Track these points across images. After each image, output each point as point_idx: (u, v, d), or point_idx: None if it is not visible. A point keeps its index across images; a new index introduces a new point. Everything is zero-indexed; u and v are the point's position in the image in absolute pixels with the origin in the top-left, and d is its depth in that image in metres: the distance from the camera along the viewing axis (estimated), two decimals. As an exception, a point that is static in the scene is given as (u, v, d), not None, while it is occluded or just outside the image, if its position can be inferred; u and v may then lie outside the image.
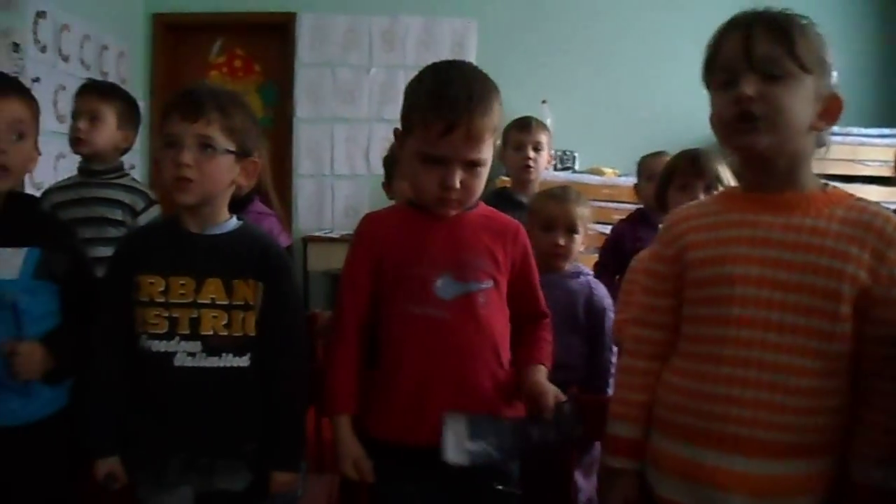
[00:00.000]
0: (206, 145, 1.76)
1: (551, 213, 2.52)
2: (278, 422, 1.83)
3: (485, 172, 1.77)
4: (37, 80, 4.45)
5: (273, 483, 1.81)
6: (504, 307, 1.84)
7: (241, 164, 1.83)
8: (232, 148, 1.80)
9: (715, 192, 2.07)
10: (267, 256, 1.84)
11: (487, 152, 1.74)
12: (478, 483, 1.78)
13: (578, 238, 2.52)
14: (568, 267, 2.55)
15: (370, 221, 1.88)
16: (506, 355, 1.83)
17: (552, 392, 1.71)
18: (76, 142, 2.80)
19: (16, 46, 4.31)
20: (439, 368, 1.76)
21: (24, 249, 1.85)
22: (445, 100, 1.68)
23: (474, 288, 1.78)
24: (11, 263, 1.83)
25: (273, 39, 6.18)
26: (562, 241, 2.51)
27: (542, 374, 1.81)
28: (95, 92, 2.84)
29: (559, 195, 2.56)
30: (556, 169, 5.49)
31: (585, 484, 2.44)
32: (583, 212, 2.54)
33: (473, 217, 1.83)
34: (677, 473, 1.58)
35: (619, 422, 1.69)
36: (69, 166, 3.27)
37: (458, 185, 1.72)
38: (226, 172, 1.81)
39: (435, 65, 1.79)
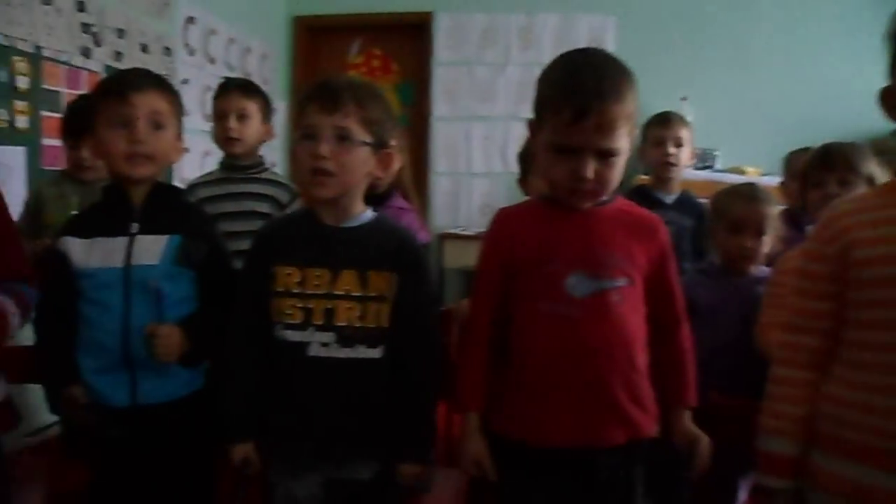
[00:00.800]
0: (343, 137, 1.76)
1: (739, 214, 2.40)
2: (408, 413, 1.82)
3: (620, 163, 1.69)
4: (185, 81, 4.64)
5: (401, 474, 1.81)
6: (640, 307, 1.77)
7: (377, 155, 1.82)
8: (369, 140, 1.78)
9: (874, 186, 1.94)
10: (402, 248, 1.83)
11: (622, 142, 1.67)
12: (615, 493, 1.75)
13: (766, 240, 2.39)
14: (753, 270, 2.43)
15: (503, 217, 1.85)
16: (641, 358, 1.76)
17: (705, 442, 1.75)
18: (228, 141, 2.87)
19: (167, 51, 4.51)
20: (568, 369, 1.71)
21: (166, 237, 1.92)
22: (575, 86, 1.63)
23: (608, 286, 1.71)
24: (153, 250, 1.90)
25: (410, 39, 6.24)
26: (749, 244, 2.39)
27: (689, 418, 1.78)
28: (240, 90, 2.91)
29: (747, 193, 2.43)
30: (696, 168, 5.32)
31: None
32: (772, 212, 2.41)
33: (609, 211, 1.77)
34: (845, 495, 1.46)
35: (775, 438, 1.59)
36: (215, 164, 3.38)
37: (590, 175, 1.66)
38: (362, 164, 1.80)
39: (567, 53, 1.74)
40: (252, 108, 2.87)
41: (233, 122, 2.84)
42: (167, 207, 1.99)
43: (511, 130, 5.90)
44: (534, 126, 1.76)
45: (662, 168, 3.19)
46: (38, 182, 3.11)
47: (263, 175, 2.92)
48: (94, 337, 1.89)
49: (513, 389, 1.76)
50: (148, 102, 1.91)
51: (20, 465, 1.92)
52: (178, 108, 2.00)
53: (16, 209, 2.97)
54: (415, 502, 2.14)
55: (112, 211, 1.96)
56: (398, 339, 1.81)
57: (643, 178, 3.86)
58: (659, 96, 4.68)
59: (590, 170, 1.66)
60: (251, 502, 1.95)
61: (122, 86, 1.91)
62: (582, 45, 5.75)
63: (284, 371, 1.80)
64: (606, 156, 1.66)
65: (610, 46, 5.78)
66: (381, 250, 1.81)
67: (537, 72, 1.76)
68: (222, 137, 2.88)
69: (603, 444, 1.73)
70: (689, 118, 4.14)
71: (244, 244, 2.10)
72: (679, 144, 3.19)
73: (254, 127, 2.88)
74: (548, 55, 1.77)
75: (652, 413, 1.77)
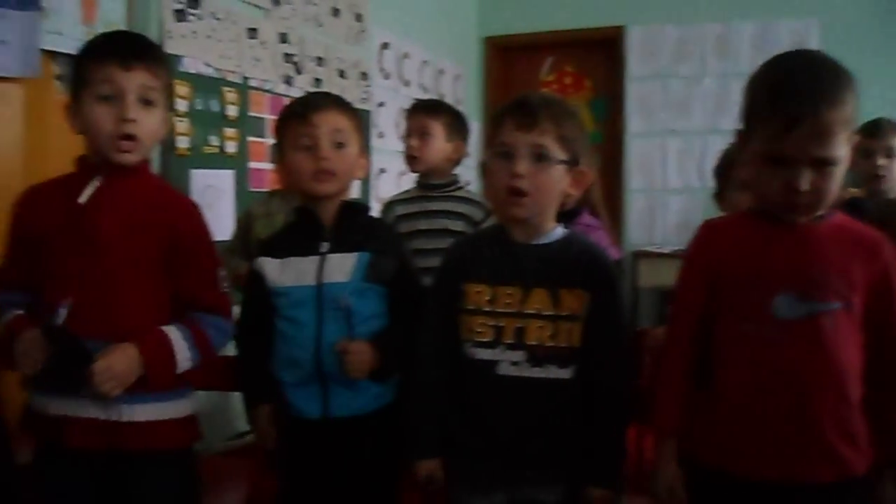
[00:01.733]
0: (540, 155, 1.73)
1: None
2: (597, 436, 1.76)
3: (838, 173, 1.56)
4: (382, 104, 4.78)
5: (588, 499, 1.75)
6: (857, 334, 1.61)
7: (572, 173, 1.79)
8: (564, 157, 1.75)
9: None
10: (594, 266, 1.79)
11: (840, 149, 1.54)
12: None
13: None
14: None
15: (708, 229, 1.75)
16: (854, 391, 1.60)
17: None
18: (410, 160, 2.94)
19: (364, 75, 4.67)
20: (771, 397, 1.59)
21: (355, 254, 1.95)
22: (788, 91, 1.52)
23: (821, 309, 1.57)
24: (344, 267, 1.94)
25: (602, 54, 6.17)
26: None
27: (892, 482, 1.61)
28: (422, 110, 2.98)
29: None
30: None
31: None
32: None
33: (826, 227, 1.63)
34: None
35: None
36: (410, 183, 3.45)
37: (806, 187, 1.54)
38: (557, 183, 1.77)
39: (777, 55, 1.64)
40: (435, 126, 2.91)
41: (413, 140, 2.90)
42: (355, 225, 2.03)
43: (708, 144, 5.68)
44: (742, 136, 1.66)
45: (872, 181, 2.97)
46: (251, 202, 3.27)
47: (457, 193, 2.95)
48: (290, 352, 1.96)
49: (712, 414, 1.67)
50: (329, 121, 1.97)
51: (221, 467, 2.01)
52: (359, 126, 2.05)
53: (226, 228, 3.16)
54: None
55: (303, 231, 2.03)
56: (589, 359, 1.77)
57: (853, 191, 3.61)
58: (869, 103, 4.38)
59: (805, 181, 1.54)
60: None
61: (303, 108, 1.99)
62: (782, 51, 5.39)
63: (473, 389, 1.80)
64: (823, 166, 1.54)
65: (815, 53, 5.48)
66: (573, 268, 1.77)
67: (734, 82, 1.67)
68: (406, 155, 2.96)
69: (806, 480, 1.59)
70: (907, 121, 3.83)
71: (437, 261, 2.12)
72: (890, 155, 2.97)
73: (436, 145, 2.92)
74: (746, 65, 1.69)
75: (865, 452, 1.61)
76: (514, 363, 1.76)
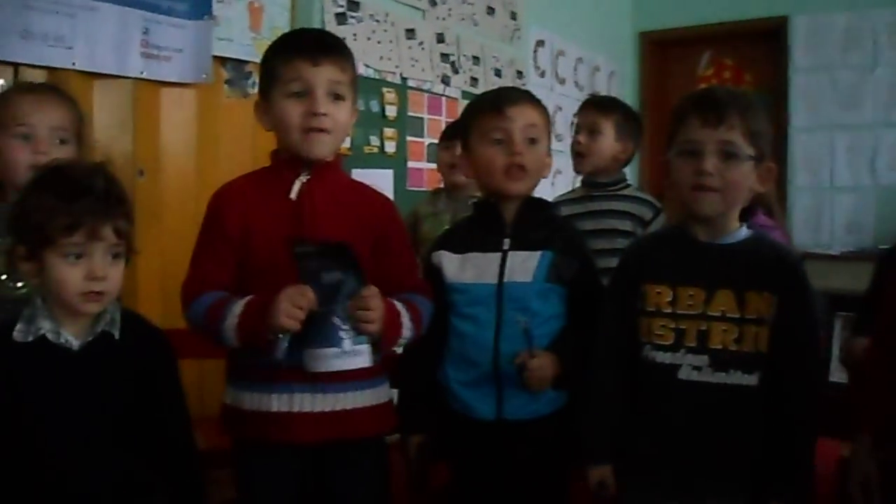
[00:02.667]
0: (728, 152, 1.67)
1: None
2: (783, 448, 1.68)
3: None
4: (537, 102, 4.73)
5: None
6: None
7: (758, 169, 1.71)
8: (752, 153, 1.68)
9: None
10: (783, 267, 1.71)
11: None
12: None
13: None
14: None
15: None
16: None
17: None
18: (577, 157, 2.86)
19: (519, 73, 4.67)
20: None
21: (538, 253, 1.91)
22: None
23: None
24: (526, 267, 1.90)
25: (763, 46, 5.92)
26: None
27: None
28: (594, 106, 2.89)
29: None
30: None
31: None
32: None
33: None
34: None
35: None
36: (565, 182, 3.39)
37: None
38: (746, 179, 1.70)
39: None
40: (605, 124, 2.82)
41: (582, 137, 2.82)
42: (538, 223, 1.98)
43: (881, 139, 5.37)
44: None
45: None
46: (416, 202, 3.31)
47: (625, 192, 2.87)
48: (465, 351, 1.93)
49: None
50: (524, 116, 1.93)
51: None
52: (549, 123, 2.02)
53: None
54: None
55: (484, 226, 1.99)
56: (777, 366, 1.68)
57: None
58: None
59: None
60: None
61: (498, 101, 1.95)
62: None
63: (651, 394, 1.75)
64: None
65: None
66: (760, 269, 1.70)
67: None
68: (573, 151, 2.88)
69: None
70: None
71: (604, 262, 2.07)
72: None
73: (605, 143, 2.83)
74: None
75: None
76: (697, 368, 1.69)
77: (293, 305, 1.59)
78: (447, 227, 2.65)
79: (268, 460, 1.79)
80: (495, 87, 4.25)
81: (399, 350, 1.96)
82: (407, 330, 1.77)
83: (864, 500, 1.62)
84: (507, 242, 1.93)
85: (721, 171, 1.66)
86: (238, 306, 1.67)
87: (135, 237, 1.57)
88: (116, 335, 1.56)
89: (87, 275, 1.48)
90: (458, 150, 2.82)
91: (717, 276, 1.70)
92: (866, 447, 1.63)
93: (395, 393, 1.96)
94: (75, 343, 1.52)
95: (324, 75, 1.75)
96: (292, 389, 1.73)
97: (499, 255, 1.92)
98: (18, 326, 1.52)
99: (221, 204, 1.81)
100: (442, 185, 3.28)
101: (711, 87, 1.77)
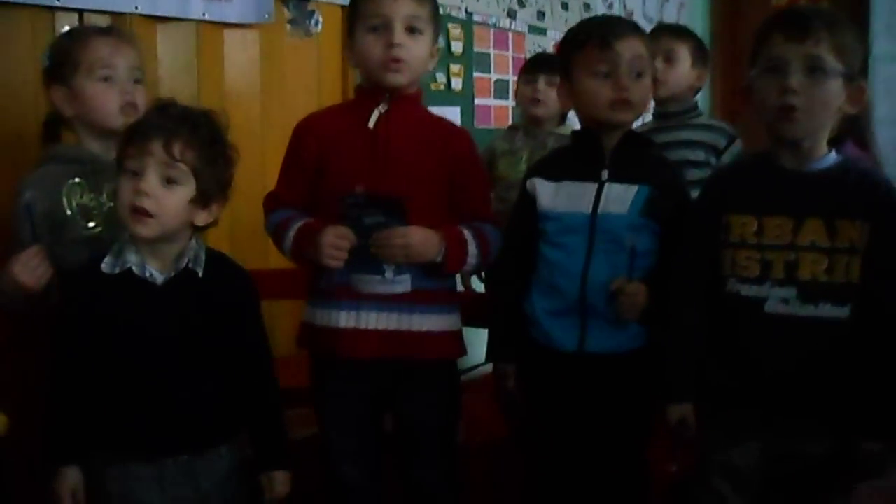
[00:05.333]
0: (814, 68, 1.63)
1: None
2: (876, 383, 1.65)
3: None
4: (605, 36, 4.65)
5: (863, 453, 1.65)
6: None
7: (849, 88, 1.67)
8: (842, 69, 1.64)
9: None
10: (876, 194, 1.67)
11: None
12: None
13: None
14: None
15: None
16: None
17: None
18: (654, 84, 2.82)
19: (587, 6, 4.62)
20: None
21: (636, 186, 1.89)
22: None
23: None
24: (623, 199, 1.89)
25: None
26: None
27: None
28: (668, 32, 2.89)
29: None
30: None
31: None
32: None
33: None
34: None
35: None
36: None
37: None
38: (835, 98, 1.66)
39: None
40: (681, 50, 2.82)
41: (658, 63, 2.76)
42: (638, 157, 1.97)
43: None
44: None
45: None
46: (492, 139, 3.29)
47: (697, 120, 2.86)
48: (553, 279, 1.93)
49: None
50: (632, 48, 1.90)
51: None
52: (651, 55, 2.01)
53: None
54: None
55: (583, 156, 1.98)
56: (870, 297, 1.65)
57: None
58: None
59: None
60: (685, 464, 1.95)
61: (604, 33, 1.91)
62: None
63: (736, 328, 1.72)
64: None
65: None
66: (852, 196, 1.66)
67: None
68: None
69: None
70: None
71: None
72: None
73: (681, 71, 2.82)
74: None
75: None
76: (784, 300, 1.67)
77: (334, 247, 1.78)
78: (524, 164, 2.77)
79: (340, 379, 1.94)
80: (563, 20, 4.23)
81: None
82: (472, 257, 1.91)
83: None
84: (605, 174, 1.92)
85: (807, 88, 1.63)
86: (293, 230, 1.89)
87: (217, 182, 1.67)
88: (200, 273, 1.66)
89: (133, 187, 1.58)
90: (541, 85, 2.94)
91: (805, 205, 1.67)
92: None
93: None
94: (159, 277, 1.64)
95: (402, 10, 1.86)
96: (359, 307, 1.87)
97: (595, 185, 1.92)
98: (107, 259, 1.64)
99: (302, 134, 1.98)
100: (515, 122, 3.25)
101: (797, 4, 1.70)
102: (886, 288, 1.64)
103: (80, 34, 1.98)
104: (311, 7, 3.11)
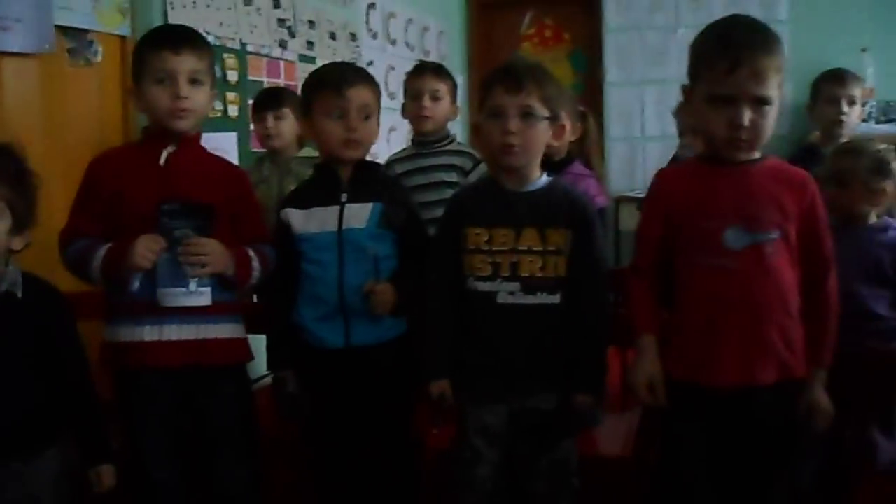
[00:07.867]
0: (527, 114, 1.99)
1: (842, 168, 2.39)
2: (583, 350, 2.03)
3: (772, 113, 1.84)
4: (370, 63, 4.94)
5: (575, 403, 2.02)
6: (793, 257, 1.88)
7: (553, 127, 2.06)
8: (547, 114, 2.02)
9: None
10: (574, 208, 2.05)
11: (774, 91, 1.82)
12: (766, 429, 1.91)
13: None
14: (875, 221, 2.41)
15: (661, 177, 2.08)
16: (794, 306, 1.89)
17: (826, 415, 1.88)
18: (421, 119, 3.13)
19: (353, 36, 4.85)
20: (727, 316, 1.87)
21: (370, 204, 2.21)
22: (730, 40, 1.81)
23: (763, 238, 1.85)
24: (361, 215, 2.20)
25: (580, 7, 6.35)
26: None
27: (820, 380, 1.90)
28: (434, 73, 3.16)
29: (855, 149, 2.44)
30: (877, 122, 5.18)
31: (888, 444, 2.32)
32: None
33: (761, 168, 1.90)
34: None
35: None
36: (399, 138, 3.63)
37: (746, 122, 1.81)
38: (542, 136, 2.03)
39: (718, 20, 1.92)
40: (444, 89, 3.12)
41: (427, 102, 3.09)
42: (370, 180, 2.28)
43: (684, 93, 5.88)
44: (688, 89, 1.95)
45: (833, 126, 3.22)
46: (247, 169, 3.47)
47: (450, 146, 3.16)
48: (314, 291, 2.21)
49: (677, 332, 1.95)
50: (360, 96, 2.20)
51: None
52: (380, 98, 2.30)
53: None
54: (589, 441, 2.41)
55: (324, 185, 2.28)
56: (574, 287, 2.04)
57: (815, 135, 3.80)
58: (838, 49, 4.58)
59: (745, 117, 1.81)
60: (447, 428, 2.24)
61: (337, 81, 2.20)
62: (753, 3, 5.49)
63: (476, 317, 2.06)
64: (760, 104, 1.82)
65: (782, 1, 5.67)
66: (557, 210, 2.04)
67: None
68: (416, 115, 3.14)
69: (758, 384, 1.87)
70: (869, 70, 4.02)
71: (437, 212, 2.36)
72: (852, 103, 3.20)
73: (444, 107, 3.13)
74: (719, 15, 1.93)
75: (801, 356, 1.90)
76: (511, 293, 2.02)
77: (147, 249, 1.96)
78: (275, 189, 3.07)
79: (146, 389, 2.09)
80: (331, 49, 4.47)
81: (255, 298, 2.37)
82: (257, 271, 2.16)
83: (650, 399, 1.94)
84: (344, 196, 2.22)
85: (522, 130, 1.99)
86: (102, 249, 2.03)
87: (28, 208, 1.81)
88: (19, 294, 1.79)
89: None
90: (270, 122, 3.20)
91: (523, 218, 2.03)
92: (649, 345, 1.95)
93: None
94: None
95: (185, 64, 2.08)
96: (162, 322, 2.05)
97: (338, 207, 2.21)
98: None
99: (97, 169, 2.16)
100: (259, 154, 3.49)
101: (513, 61, 2.10)
102: (584, 279, 2.03)
103: None
104: (90, 37, 3.11)
